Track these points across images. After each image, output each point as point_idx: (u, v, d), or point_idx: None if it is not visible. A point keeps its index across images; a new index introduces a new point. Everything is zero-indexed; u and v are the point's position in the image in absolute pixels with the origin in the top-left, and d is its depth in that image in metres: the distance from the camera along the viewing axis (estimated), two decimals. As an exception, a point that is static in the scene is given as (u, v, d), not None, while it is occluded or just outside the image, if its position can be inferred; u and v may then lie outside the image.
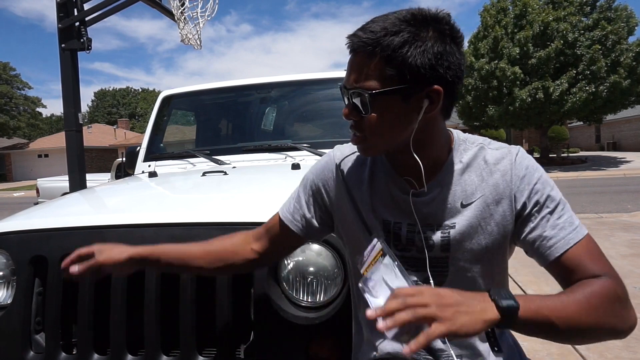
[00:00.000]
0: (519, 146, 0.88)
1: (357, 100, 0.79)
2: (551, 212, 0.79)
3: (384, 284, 0.77)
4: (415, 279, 0.87)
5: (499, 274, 0.90)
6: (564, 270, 0.77)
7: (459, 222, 0.84)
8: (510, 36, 16.88)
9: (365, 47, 0.75)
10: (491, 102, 17.39)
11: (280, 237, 1.00)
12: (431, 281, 0.86)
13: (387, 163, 0.92)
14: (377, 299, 0.76)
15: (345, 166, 0.96)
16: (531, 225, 0.81)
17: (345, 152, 0.99)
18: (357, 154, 0.97)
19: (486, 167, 0.86)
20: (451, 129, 0.93)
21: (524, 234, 0.82)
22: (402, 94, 0.76)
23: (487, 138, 0.93)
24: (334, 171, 0.97)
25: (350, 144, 0.95)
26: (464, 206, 0.85)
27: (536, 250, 0.80)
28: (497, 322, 0.65)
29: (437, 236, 0.85)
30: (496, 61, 16.76)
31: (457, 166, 0.87)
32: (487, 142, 0.91)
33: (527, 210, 0.81)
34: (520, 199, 0.82)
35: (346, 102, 0.82)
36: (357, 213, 0.92)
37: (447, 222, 0.85)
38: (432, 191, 0.86)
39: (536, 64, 16.23)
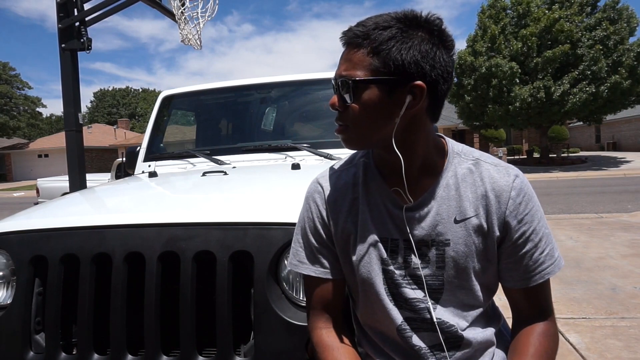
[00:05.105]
0: (516, 168, 0.88)
1: (343, 90, 0.80)
2: (535, 246, 0.84)
3: None
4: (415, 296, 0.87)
5: (495, 284, 0.91)
6: (532, 297, 0.87)
7: (453, 238, 0.84)
8: (510, 34, 16.85)
9: (355, 39, 0.79)
10: (491, 101, 17.35)
11: (332, 294, 0.94)
12: (429, 302, 0.86)
13: (378, 174, 0.90)
14: None
15: (335, 190, 0.93)
16: (513, 254, 0.85)
17: (329, 177, 0.96)
18: (343, 171, 0.95)
19: (482, 185, 0.85)
20: (445, 138, 0.92)
21: (502, 259, 0.87)
22: (385, 86, 0.78)
23: (483, 152, 0.92)
24: (324, 199, 0.94)
25: (330, 166, 0.98)
26: (457, 222, 0.84)
27: (513, 276, 0.87)
28: None
29: (432, 253, 0.85)
30: (493, 58, 16.74)
31: (452, 180, 0.86)
32: (484, 157, 0.90)
33: (513, 238, 0.84)
34: (510, 224, 0.84)
35: (335, 93, 0.84)
36: (355, 233, 0.89)
37: (442, 239, 0.85)
38: (427, 205, 0.85)
39: (540, 63, 16.19)
